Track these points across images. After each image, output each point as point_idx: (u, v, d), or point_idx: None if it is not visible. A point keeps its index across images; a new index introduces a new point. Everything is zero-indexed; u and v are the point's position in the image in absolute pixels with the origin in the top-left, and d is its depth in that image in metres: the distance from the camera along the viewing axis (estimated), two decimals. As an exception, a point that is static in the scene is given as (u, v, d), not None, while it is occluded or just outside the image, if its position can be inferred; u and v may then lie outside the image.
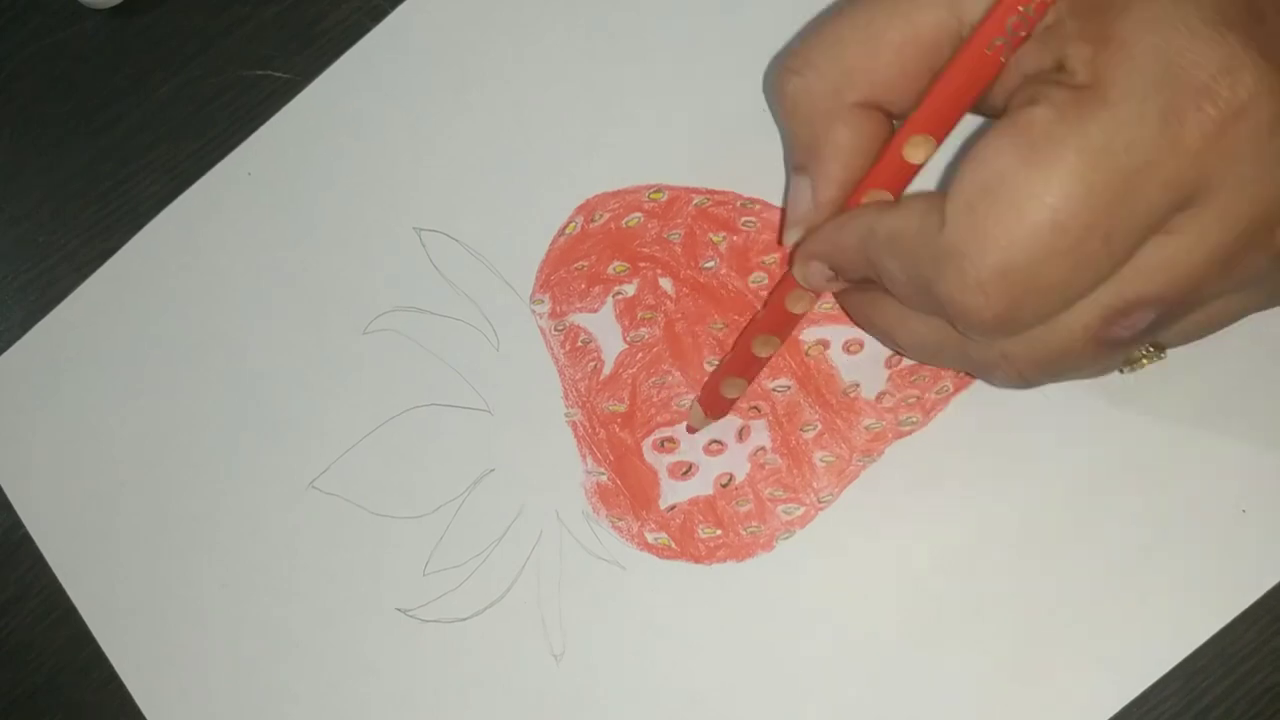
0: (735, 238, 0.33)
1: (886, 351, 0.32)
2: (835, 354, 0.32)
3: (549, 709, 0.32)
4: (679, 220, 0.33)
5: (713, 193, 0.33)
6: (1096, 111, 0.22)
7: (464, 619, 0.33)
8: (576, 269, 0.34)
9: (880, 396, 0.32)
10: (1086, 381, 0.31)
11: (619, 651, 0.32)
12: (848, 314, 0.31)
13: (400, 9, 0.36)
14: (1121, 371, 0.29)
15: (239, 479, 0.35)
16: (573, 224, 0.34)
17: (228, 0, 0.37)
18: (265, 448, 0.35)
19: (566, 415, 0.33)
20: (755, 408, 0.32)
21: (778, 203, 0.33)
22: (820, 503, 0.32)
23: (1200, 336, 0.26)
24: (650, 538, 0.32)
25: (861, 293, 0.28)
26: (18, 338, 0.36)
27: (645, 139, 0.34)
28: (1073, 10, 0.22)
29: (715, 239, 0.33)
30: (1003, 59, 0.24)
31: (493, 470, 0.33)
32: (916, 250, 0.24)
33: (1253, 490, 0.30)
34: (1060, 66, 0.23)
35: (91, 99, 0.37)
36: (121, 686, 0.35)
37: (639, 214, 0.34)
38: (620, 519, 0.33)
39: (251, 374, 0.35)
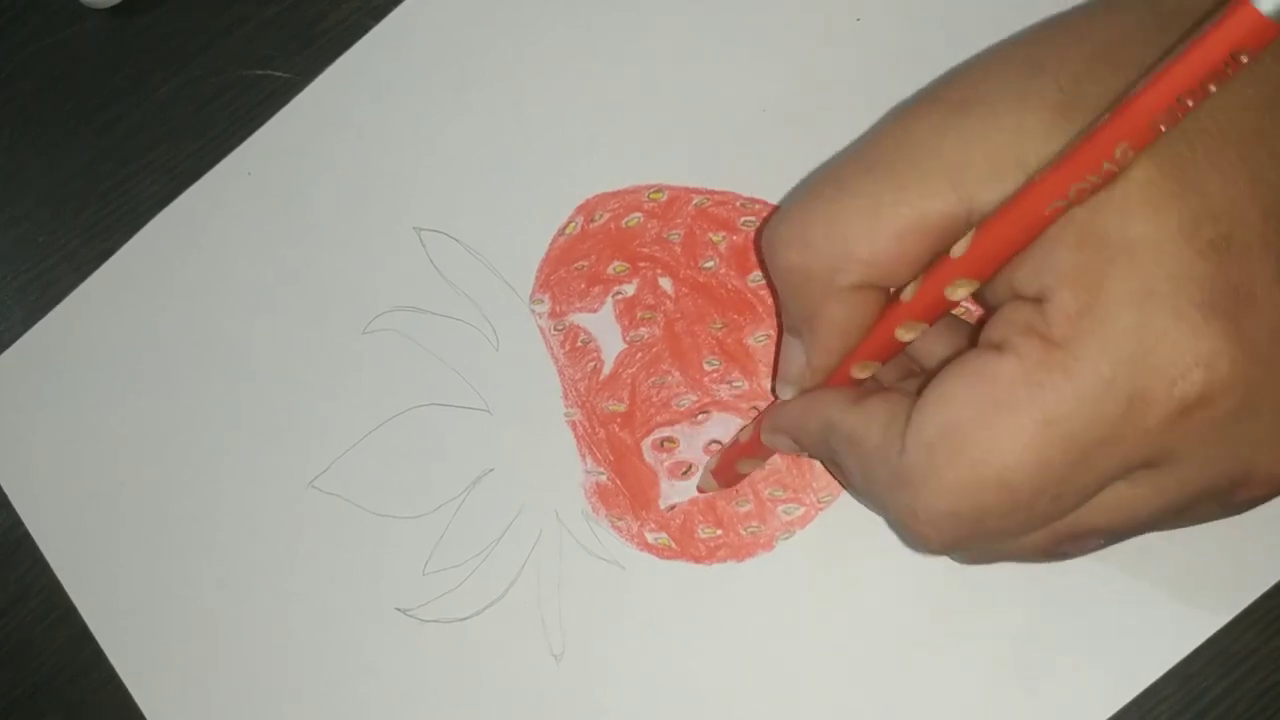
0: (735, 238, 0.33)
1: (716, 489, 0.32)
2: (835, 354, 0.32)
3: (549, 709, 0.32)
4: (679, 220, 0.33)
5: (713, 193, 0.33)
6: (1062, 382, 0.21)
7: (464, 619, 0.33)
8: (576, 269, 0.34)
9: (880, 396, 0.32)
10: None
11: (619, 651, 0.32)
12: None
13: (400, 8, 0.36)
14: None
15: (239, 478, 0.35)
16: (572, 224, 0.34)
17: (228, 0, 0.37)
18: (265, 447, 0.35)
19: (566, 415, 0.33)
20: (755, 408, 0.32)
21: (779, 203, 0.33)
22: (820, 503, 0.32)
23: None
24: (650, 538, 0.32)
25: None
26: (17, 337, 0.36)
27: (645, 139, 0.34)
28: (1079, 241, 0.21)
29: (715, 239, 0.33)
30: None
31: (492, 470, 0.34)
32: (873, 463, 0.24)
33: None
34: (1042, 300, 0.22)
35: (91, 99, 0.37)
36: (121, 686, 0.35)
37: (639, 214, 0.34)
38: (620, 519, 0.33)
39: (251, 374, 0.35)
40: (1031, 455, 0.22)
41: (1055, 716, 0.30)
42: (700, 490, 0.32)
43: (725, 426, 0.32)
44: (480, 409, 0.34)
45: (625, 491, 0.33)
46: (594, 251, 0.34)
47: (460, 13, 0.35)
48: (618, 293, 0.33)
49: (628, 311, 0.33)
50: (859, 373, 0.26)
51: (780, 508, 0.32)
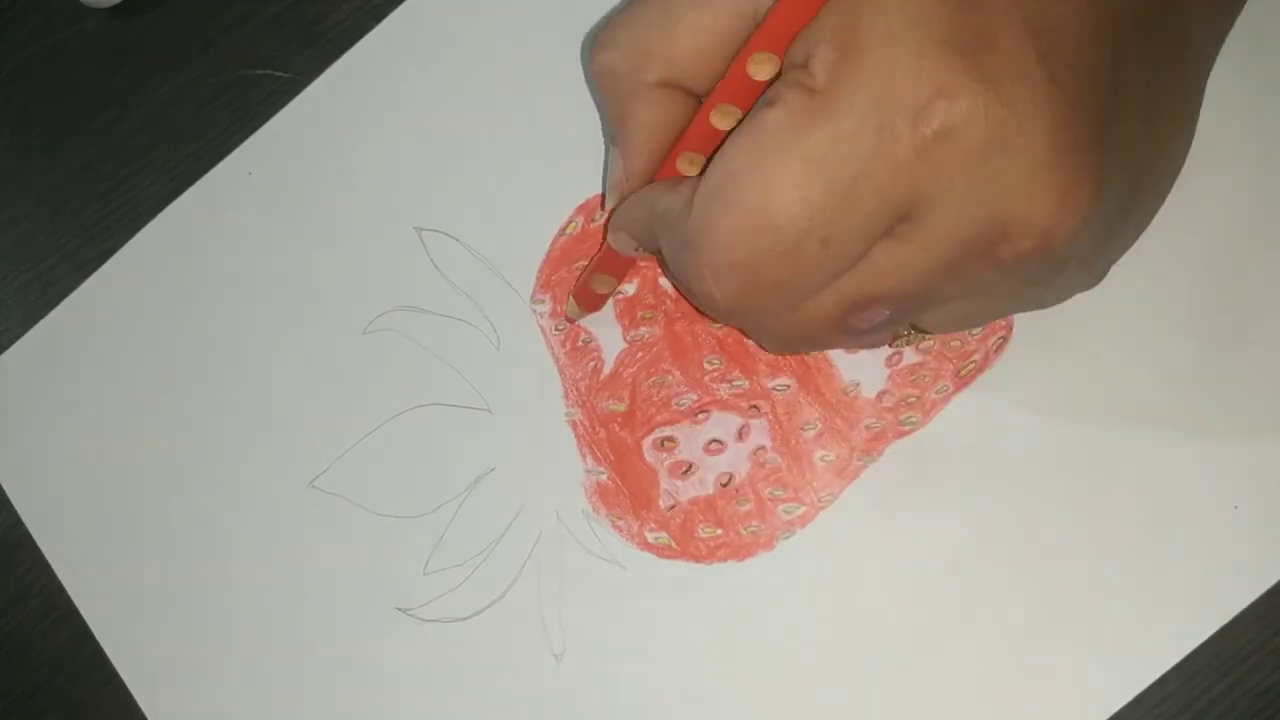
0: (735, 237, 0.33)
1: (886, 350, 0.32)
2: (835, 353, 0.32)
3: (549, 709, 0.32)
4: (679, 220, 0.33)
5: (713, 192, 0.33)
6: (821, 121, 0.23)
7: (464, 618, 0.33)
8: (577, 268, 0.34)
9: (880, 395, 0.32)
10: (1085, 380, 0.31)
11: (619, 651, 0.32)
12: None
13: (401, 8, 0.36)
14: (892, 344, 0.31)
15: (239, 478, 0.35)
16: (573, 224, 0.34)
17: (228, 0, 0.37)
18: (265, 447, 0.35)
19: (567, 415, 0.33)
20: (755, 407, 0.32)
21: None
22: (821, 502, 0.32)
23: (961, 329, 0.29)
24: (650, 537, 0.32)
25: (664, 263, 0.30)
26: (18, 337, 0.36)
27: (645, 139, 0.34)
28: (833, 7, 0.23)
29: (715, 238, 0.33)
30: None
31: (493, 470, 0.34)
32: (673, 233, 0.26)
33: (1247, 488, 0.30)
34: (807, 59, 0.23)
35: (91, 99, 0.37)
36: (122, 686, 0.35)
37: (639, 213, 0.33)
38: (620, 518, 0.33)
39: (252, 373, 0.35)
40: (794, 194, 0.23)
41: (1055, 716, 0.30)
42: (569, 319, 0.33)
43: (726, 426, 0.32)
44: (481, 409, 0.34)
45: (626, 491, 0.33)
46: (595, 251, 0.34)
47: (460, 13, 0.35)
48: (618, 292, 0.33)
49: (628, 311, 0.33)
50: (686, 167, 0.27)
51: (781, 507, 0.32)
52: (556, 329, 0.34)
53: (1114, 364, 0.31)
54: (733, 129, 0.26)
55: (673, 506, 0.32)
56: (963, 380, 0.32)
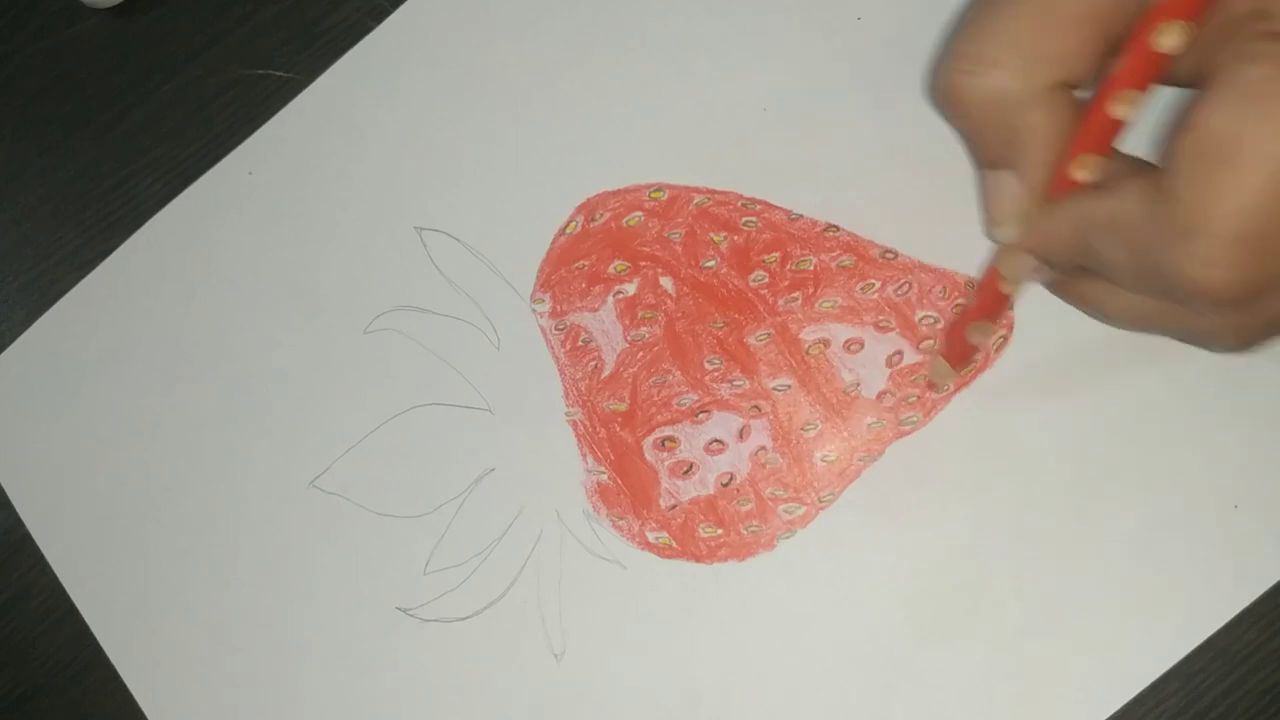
0: (736, 237, 0.33)
1: (887, 350, 0.32)
2: (836, 353, 0.32)
3: (549, 708, 0.32)
4: (680, 219, 0.33)
5: (713, 192, 0.33)
6: None
7: (464, 618, 0.33)
8: (577, 268, 0.34)
9: (881, 395, 0.32)
10: (1086, 380, 0.31)
11: (619, 651, 0.32)
12: (1051, 290, 0.30)
13: (402, 8, 0.36)
14: None
15: (240, 478, 0.35)
16: (573, 223, 0.34)
17: (229, 0, 0.37)
18: (266, 447, 0.35)
19: (567, 414, 0.33)
20: (756, 407, 0.32)
21: (779, 203, 0.33)
22: (821, 502, 0.32)
23: None
24: (651, 537, 0.32)
25: (1076, 281, 0.28)
26: (18, 337, 0.36)
27: (646, 138, 0.34)
28: None
29: (716, 238, 0.33)
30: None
31: (493, 469, 0.34)
32: (1142, 233, 0.23)
33: (1247, 488, 0.30)
34: (1262, 14, 0.22)
35: (92, 98, 0.37)
36: (122, 686, 0.35)
37: (640, 213, 0.34)
38: (621, 518, 0.33)
39: (252, 373, 0.35)
40: None
41: (1055, 716, 0.30)
42: (934, 388, 0.31)
43: (726, 425, 0.32)
44: (481, 408, 0.34)
45: (626, 490, 0.33)
46: (595, 251, 0.34)
47: (461, 12, 0.35)
48: (618, 292, 0.33)
49: (628, 311, 0.33)
50: (1081, 173, 0.25)
51: (781, 507, 0.32)
52: (556, 328, 0.34)
53: (1114, 364, 0.31)
54: (1128, 120, 0.24)
55: (673, 506, 0.32)
56: (963, 380, 0.31)
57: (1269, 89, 0.21)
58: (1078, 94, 0.25)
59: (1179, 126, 0.22)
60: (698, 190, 0.33)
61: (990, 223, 0.27)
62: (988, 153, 0.26)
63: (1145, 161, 0.25)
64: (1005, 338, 0.31)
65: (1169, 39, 0.23)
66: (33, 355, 0.36)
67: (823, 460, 0.32)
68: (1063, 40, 0.24)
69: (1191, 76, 0.24)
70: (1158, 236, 0.23)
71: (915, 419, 0.32)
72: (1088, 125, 0.25)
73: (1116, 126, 0.25)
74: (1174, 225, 0.22)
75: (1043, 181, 0.26)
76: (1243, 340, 0.25)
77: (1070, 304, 0.29)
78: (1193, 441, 0.30)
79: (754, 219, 0.33)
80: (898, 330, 0.32)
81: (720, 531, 0.32)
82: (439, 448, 0.34)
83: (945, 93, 0.25)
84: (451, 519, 0.33)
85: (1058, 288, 0.29)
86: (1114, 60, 0.24)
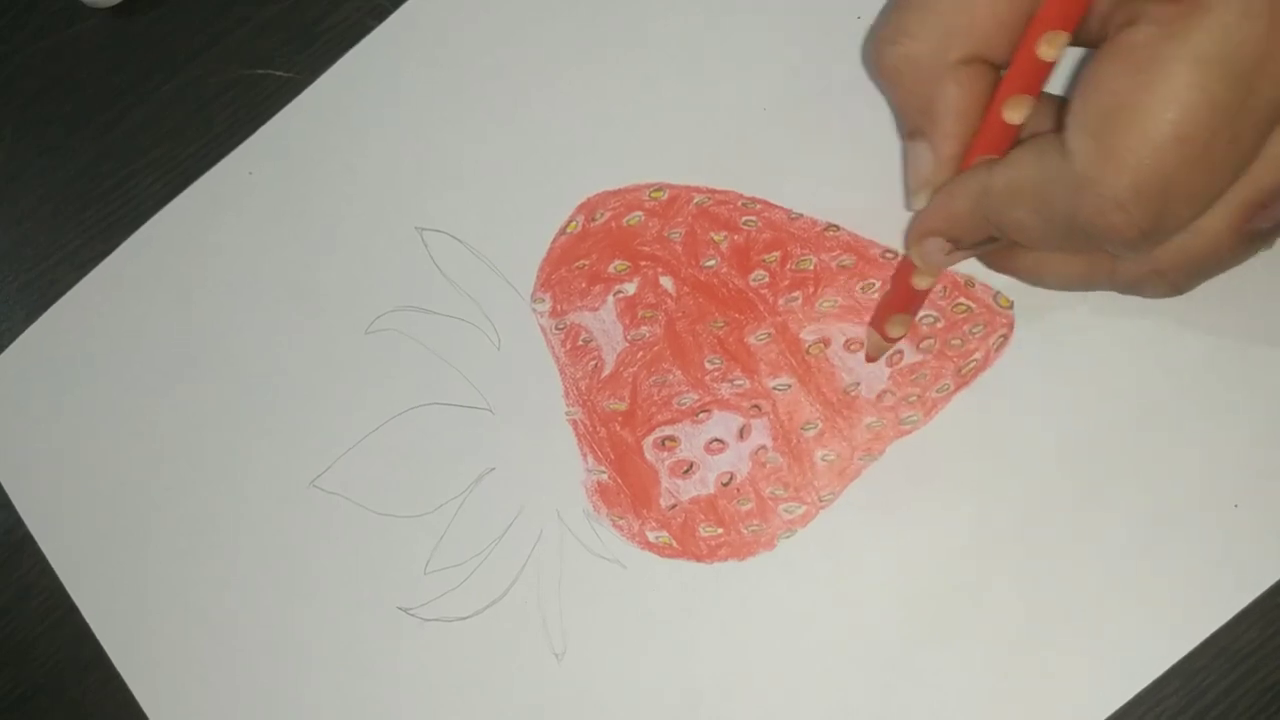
0: (736, 237, 0.33)
1: (887, 350, 0.32)
2: (836, 352, 0.32)
3: (549, 708, 0.32)
4: (680, 219, 0.33)
5: (714, 192, 0.33)
6: (1200, 19, 0.22)
7: (465, 618, 0.33)
8: (577, 268, 0.34)
9: (881, 395, 0.32)
10: (1087, 380, 0.31)
11: (620, 651, 0.32)
12: (987, 265, 0.31)
13: (402, 8, 0.36)
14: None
15: (240, 478, 0.35)
16: (573, 223, 0.34)
17: (228, 0, 0.37)
18: (266, 447, 0.35)
19: (567, 414, 0.33)
20: (756, 406, 0.32)
21: (779, 202, 0.33)
22: (822, 501, 0.32)
23: None
24: (651, 536, 0.32)
25: (992, 250, 0.29)
26: (18, 337, 0.36)
27: (646, 138, 0.34)
28: None
29: (716, 238, 0.33)
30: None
31: (493, 469, 0.34)
32: (1044, 191, 0.25)
33: (1247, 488, 0.30)
34: None
35: (92, 98, 0.37)
36: (123, 686, 0.35)
37: (640, 213, 0.34)
38: (621, 518, 0.33)
39: (253, 373, 0.35)
40: (1197, 96, 0.22)
41: (1055, 716, 0.30)
42: (871, 359, 0.32)
43: (726, 425, 0.32)
44: (481, 408, 0.34)
45: (626, 490, 0.33)
46: (595, 250, 0.34)
47: (462, 12, 0.35)
48: (619, 291, 0.33)
49: (629, 310, 0.33)
50: (1012, 114, 0.26)
51: (782, 506, 0.32)
52: (557, 328, 0.34)
53: (1115, 363, 0.31)
54: (1021, 123, 0.26)
55: (673, 506, 0.32)
56: (964, 379, 0.32)
57: (1153, 52, 0.22)
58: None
59: (1075, 88, 0.24)
60: (698, 190, 0.33)
61: (907, 193, 0.29)
62: (909, 121, 0.28)
63: (1043, 135, 0.26)
64: (1005, 337, 0.31)
65: (1051, 49, 0.24)
66: (33, 355, 0.36)
67: (823, 460, 0.32)
68: (975, 15, 0.25)
69: (1097, 38, 0.25)
70: (1061, 191, 0.24)
71: (915, 418, 0.32)
72: (985, 126, 0.26)
73: (1012, 130, 0.26)
74: (1075, 178, 0.24)
75: (952, 152, 0.27)
76: (1173, 285, 0.27)
77: (1016, 279, 0.30)
78: (1193, 441, 0.30)
79: (754, 218, 0.33)
80: (898, 330, 0.32)
81: (720, 531, 0.32)
82: (439, 447, 0.34)
83: (872, 60, 0.27)
84: (452, 519, 0.33)
85: (995, 263, 0.30)
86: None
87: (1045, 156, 0.25)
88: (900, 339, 0.31)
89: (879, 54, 0.27)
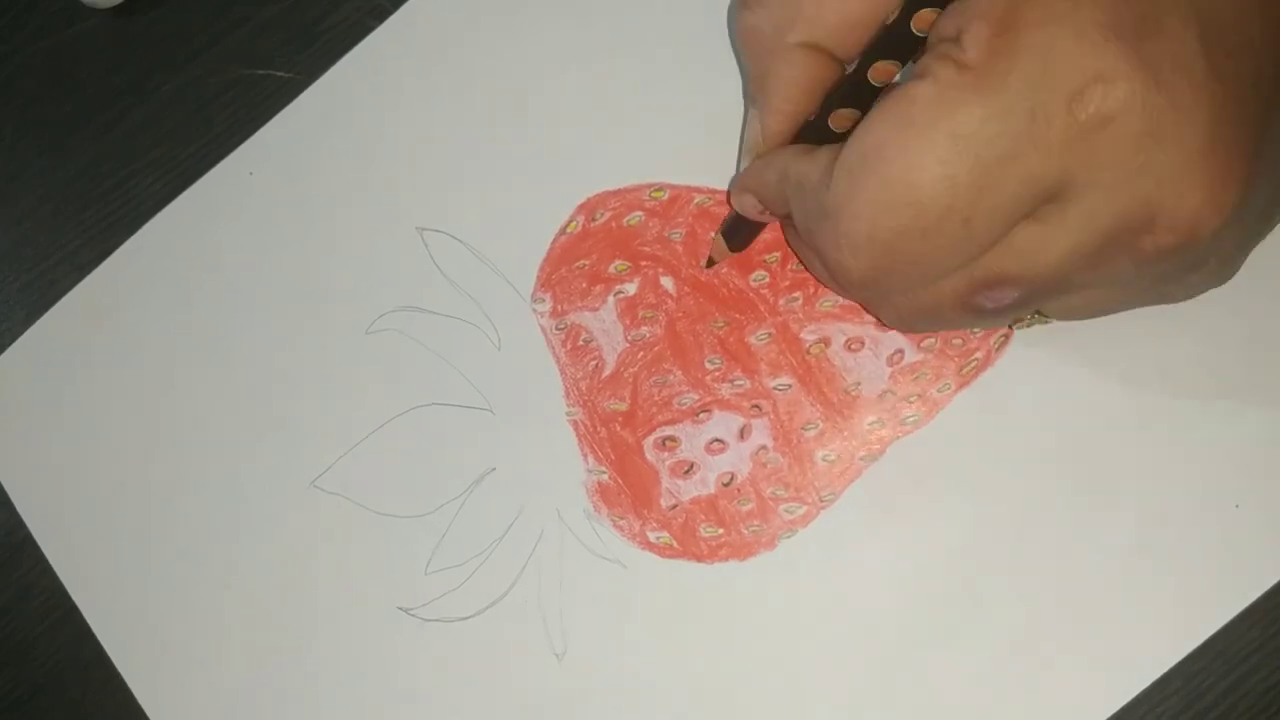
0: (736, 237, 0.33)
1: (888, 349, 0.32)
2: (836, 352, 0.32)
3: (550, 708, 0.32)
4: (680, 219, 0.33)
5: (714, 192, 0.33)
6: (970, 98, 0.22)
7: (465, 618, 0.33)
8: (578, 268, 0.34)
9: (882, 394, 0.32)
10: (1087, 379, 0.31)
11: (620, 651, 0.32)
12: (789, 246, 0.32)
13: (402, 9, 0.36)
14: (1011, 327, 0.31)
15: (240, 478, 0.35)
16: (574, 223, 0.34)
17: (229, 0, 0.37)
18: (267, 447, 0.35)
19: (568, 414, 0.33)
20: (757, 406, 0.32)
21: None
22: (822, 501, 0.32)
23: (1083, 318, 0.28)
24: (652, 537, 0.32)
25: (791, 229, 0.30)
26: (18, 337, 0.36)
27: (646, 138, 0.34)
28: None
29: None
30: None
31: (494, 469, 0.34)
32: (809, 200, 0.26)
33: (1248, 488, 0.30)
34: (955, 40, 0.23)
35: (93, 99, 0.37)
36: (124, 686, 0.35)
37: (640, 213, 0.34)
38: (622, 518, 0.33)
39: (253, 373, 0.35)
40: (940, 170, 0.23)
41: (1055, 716, 0.30)
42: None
43: (727, 425, 0.32)
44: (482, 408, 0.34)
45: (627, 490, 0.33)
46: (595, 250, 0.34)
47: (462, 12, 0.35)
48: (619, 291, 0.33)
49: (629, 310, 0.33)
50: (837, 123, 0.27)
51: (782, 506, 0.32)
52: (557, 328, 0.34)
53: (1115, 363, 0.31)
54: (882, 92, 0.26)
55: (674, 506, 0.32)
56: (965, 379, 0.32)
57: (922, 112, 0.23)
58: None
59: (868, 115, 0.24)
60: (698, 190, 0.33)
61: (741, 151, 0.30)
62: (750, 87, 0.29)
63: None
64: (1006, 336, 0.31)
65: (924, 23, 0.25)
66: (34, 355, 0.36)
67: (824, 459, 0.32)
68: (824, 9, 0.26)
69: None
70: (816, 209, 0.25)
71: (916, 418, 0.32)
72: (848, 81, 0.27)
73: (873, 93, 0.27)
74: (823, 205, 0.25)
75: (777, 128, 0.28)
76: (900, 323, 0.28)
77: (802, 263, 0.31)
78: (1193, 441, 0.30)
79: (754, 218, 0.33)
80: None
81: (721, 531, 0.32)
82: (440, 448, 0.34)
83: (734, 21, 0.28)
84: (452, 519, 0.33)
85: (790, 244, 0.32)
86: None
87: (827, 172, 0.25)
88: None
89: (736, 16, 0.28)
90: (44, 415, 0.36)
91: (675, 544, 0.32)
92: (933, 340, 0.32)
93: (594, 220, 0.34)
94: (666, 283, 0.33)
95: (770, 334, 0.33)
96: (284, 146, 0.36)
